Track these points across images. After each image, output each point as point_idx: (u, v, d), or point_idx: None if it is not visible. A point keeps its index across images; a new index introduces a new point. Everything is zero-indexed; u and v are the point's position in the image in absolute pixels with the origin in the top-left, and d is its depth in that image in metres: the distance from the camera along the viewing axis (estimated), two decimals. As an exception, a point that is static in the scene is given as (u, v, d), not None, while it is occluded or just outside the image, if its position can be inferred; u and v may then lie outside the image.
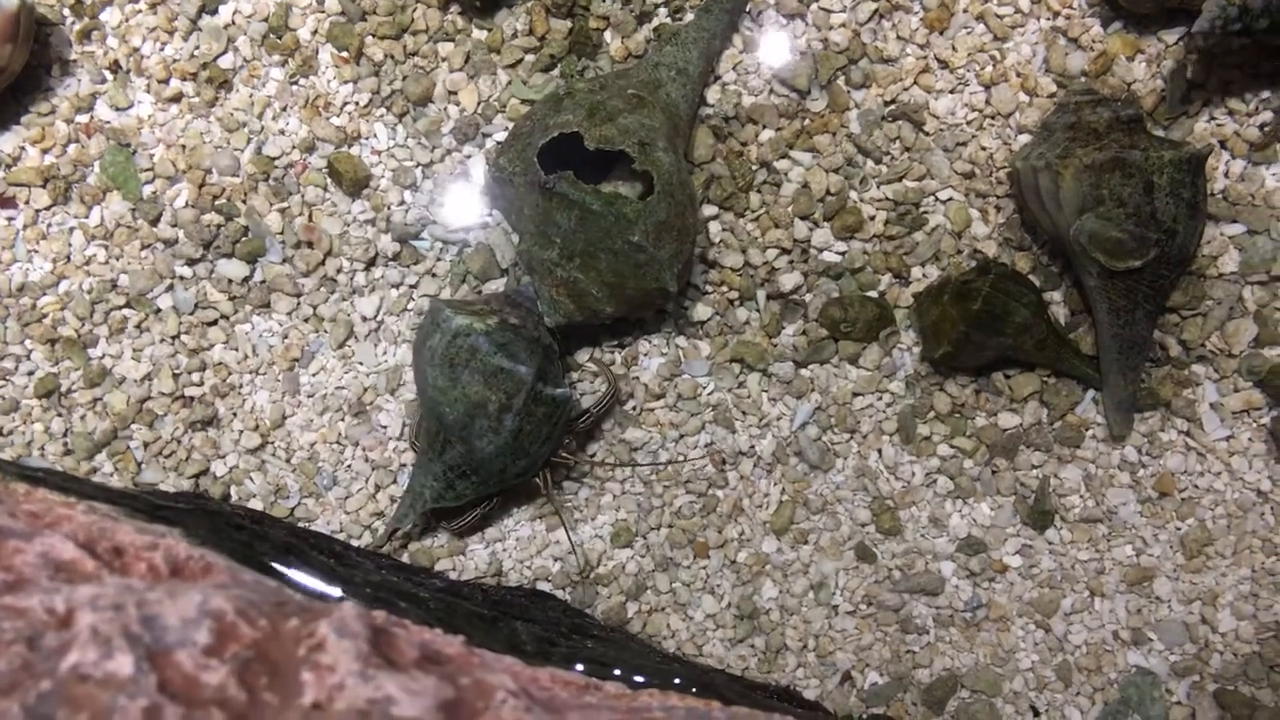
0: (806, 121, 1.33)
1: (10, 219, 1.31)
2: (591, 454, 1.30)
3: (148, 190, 1.32)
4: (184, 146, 1.32)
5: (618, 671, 0.93)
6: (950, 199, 1.31)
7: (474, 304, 1.22)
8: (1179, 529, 1.27)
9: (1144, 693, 1.24)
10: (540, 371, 1.18)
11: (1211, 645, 1.25)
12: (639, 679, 0.91)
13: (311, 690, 0.51)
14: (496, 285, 1.32)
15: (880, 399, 1.30)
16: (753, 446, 1.30)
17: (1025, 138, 1.30)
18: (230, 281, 1.31)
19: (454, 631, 0.65)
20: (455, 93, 1.33)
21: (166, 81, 1.32)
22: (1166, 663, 1.25)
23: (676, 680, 0.93)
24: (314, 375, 1.31)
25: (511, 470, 1.21)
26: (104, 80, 1.33)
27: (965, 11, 1.32)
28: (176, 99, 1.32)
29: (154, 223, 1.31)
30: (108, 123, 1.32)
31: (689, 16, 1.33)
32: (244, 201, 1.32)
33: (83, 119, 1.33)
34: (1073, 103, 1.24)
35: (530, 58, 1.34)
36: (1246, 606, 1.25)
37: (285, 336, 1.31)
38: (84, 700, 0.48)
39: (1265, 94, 1.28)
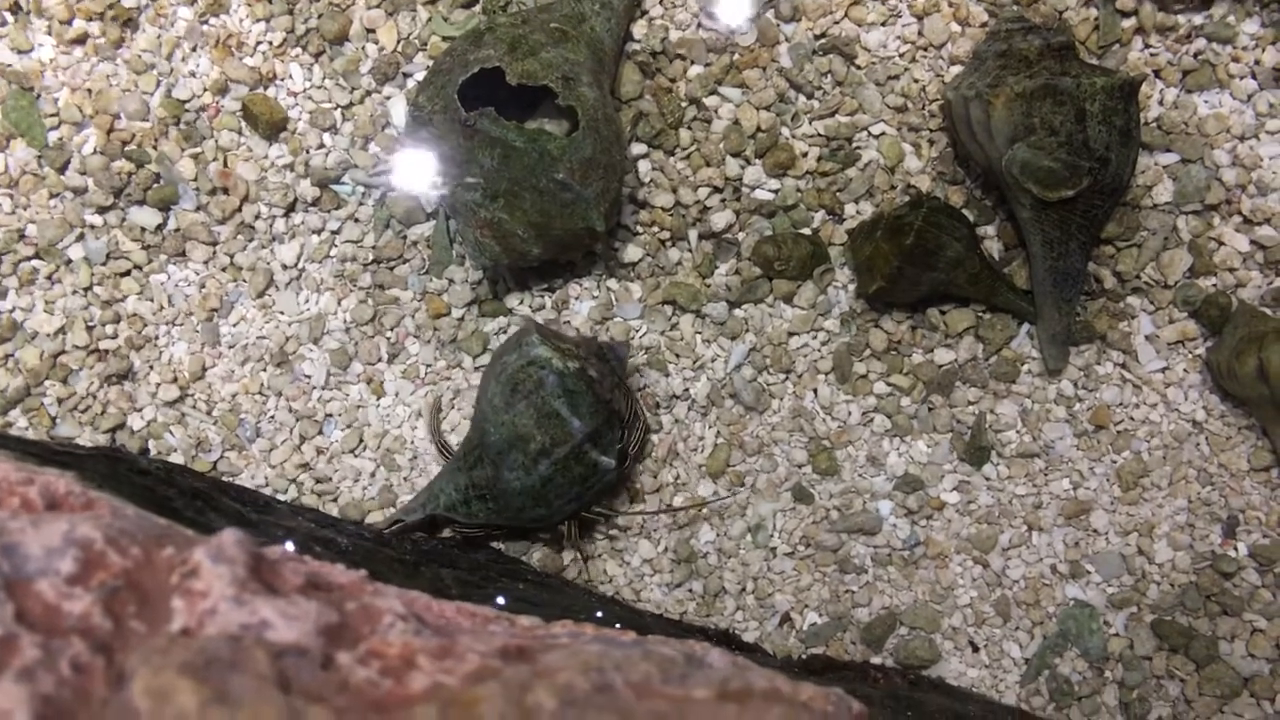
0: (736, 56, 1.29)
1: (-91, 169, 1.26)
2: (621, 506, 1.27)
3: (53, 136, 1.26)
4: (90, 90, 1.26)
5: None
6: (883, 133, 1.29)
7: (565, 341, 1.18)
8: (1115, 461, 1.26)
9: (1082, 625, 1.23)
10: (594, 434, 1.13)
11: (1148, 576, 1.24)
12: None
13: (181, 617, 0.48)
14: (423, 230, 1.28)
15: (815, 338, 1.28)
16: (687, 389, 1.28)
17: (957, 69, 1.28)
18: (143, 230, 1.26)
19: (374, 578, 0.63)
20: (373, 30, 1.29)
21: (69, 22, 1.27)
22: (1104, 595, 1.24)
23: (599, 614, 0.91)
24: (234, 325, 1.27)
25: (528, 513, 1.17)
26: (3, 22, 1.27)
27: (895, -59, 1.30)
28: (81, 40, 1.27)
29: (61, 170, 1.26)
30: (9, 66, 1.27)
31: (613, -51, 1.29)
32: (155, 147, 1.27)
33: (-18, 63, 1.27)
34: (1003, 30, 1.22)
35: (451, -6, 1.30)
36: (1183, 537, 1.24)
37: (202, 286, 1.27)
38: (-70, 632, 0.45)
39: (1199, 20, 1.26)
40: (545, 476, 1.14)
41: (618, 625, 0.83)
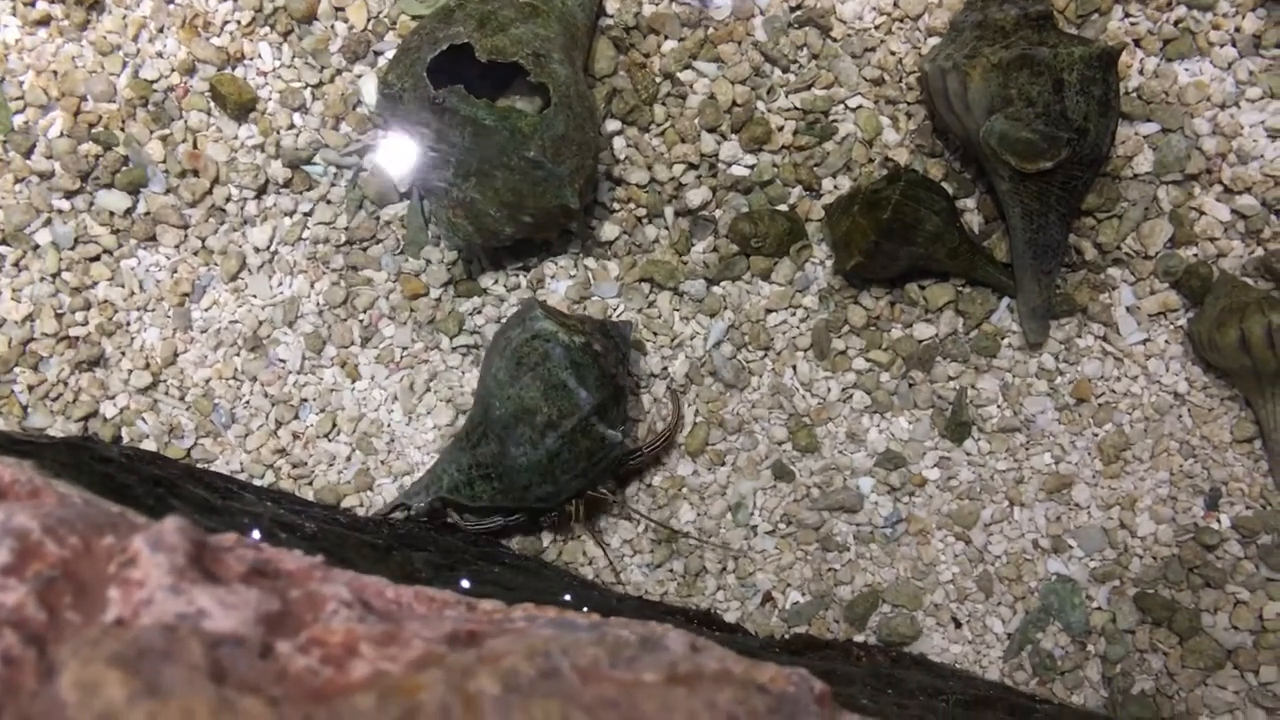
0: (710, 30, 1.28)
1: (-126, 155, 1.24)
2: (632, 496, 1.25)
3: (19, 120, 1.25)
4: (55, 72, 1.25)
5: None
6: (860, 107, 1.28)
7: (569, 317, 1.17)
8: (1097, 435, 1.25)
9: (1064, 599, 1.23)
10: (600, 406, 1.13)
11: (1131, 550, 1.24)
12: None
13: (116, 606, 0.47)
14: (396, 210, 1.27)
15: (794, 314, 1.27)
16: (665, 368, 1.27)
17: (935, 41, 1.26)
18: (112, 214, 1.25)
19: (341, 562, 0.62)
20: (342, 9, 1.27)
21: (33, 3, 1.25)
22: (1086, 569, 1.24)
23: (566, 596, 0.90)
24: (206, 310, 1.26)
25: (535, 491, 1.16)
26: (-34, 5, 1.26)
27: (871, -90, 1.28)
28: (44, 22, 1.25)
29: (27, 154, 1.24)
30: (-28, 50, 1.25)
31: (585, -78, 1.27)
32: (122, 129, 1.25)
33: (-55, 46, 1.25)
34: (980, 1, 1.20)
35: (420, -30, 1.28)
36: (1165, 510, 1.24)
37: (174, 270, 1.26)
38: None
39: (1176, -13, 1.24)
40: (552, 451, 1.12)
41: (585, 609, 0.82)
